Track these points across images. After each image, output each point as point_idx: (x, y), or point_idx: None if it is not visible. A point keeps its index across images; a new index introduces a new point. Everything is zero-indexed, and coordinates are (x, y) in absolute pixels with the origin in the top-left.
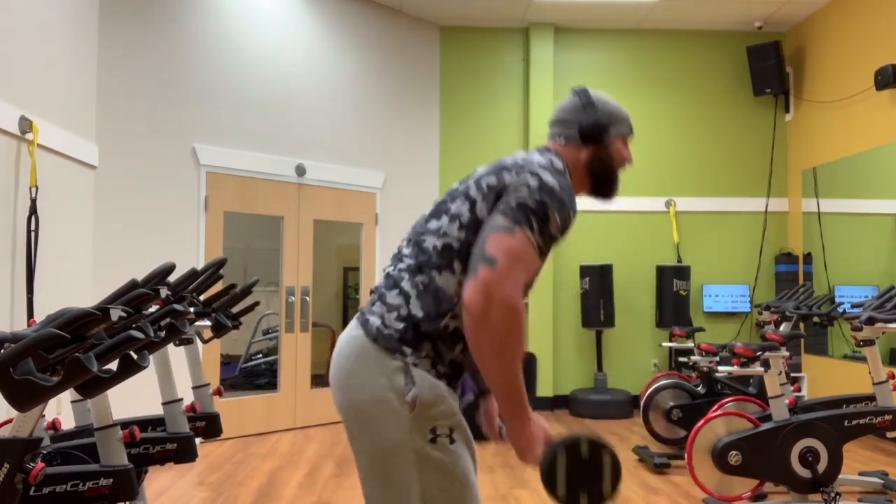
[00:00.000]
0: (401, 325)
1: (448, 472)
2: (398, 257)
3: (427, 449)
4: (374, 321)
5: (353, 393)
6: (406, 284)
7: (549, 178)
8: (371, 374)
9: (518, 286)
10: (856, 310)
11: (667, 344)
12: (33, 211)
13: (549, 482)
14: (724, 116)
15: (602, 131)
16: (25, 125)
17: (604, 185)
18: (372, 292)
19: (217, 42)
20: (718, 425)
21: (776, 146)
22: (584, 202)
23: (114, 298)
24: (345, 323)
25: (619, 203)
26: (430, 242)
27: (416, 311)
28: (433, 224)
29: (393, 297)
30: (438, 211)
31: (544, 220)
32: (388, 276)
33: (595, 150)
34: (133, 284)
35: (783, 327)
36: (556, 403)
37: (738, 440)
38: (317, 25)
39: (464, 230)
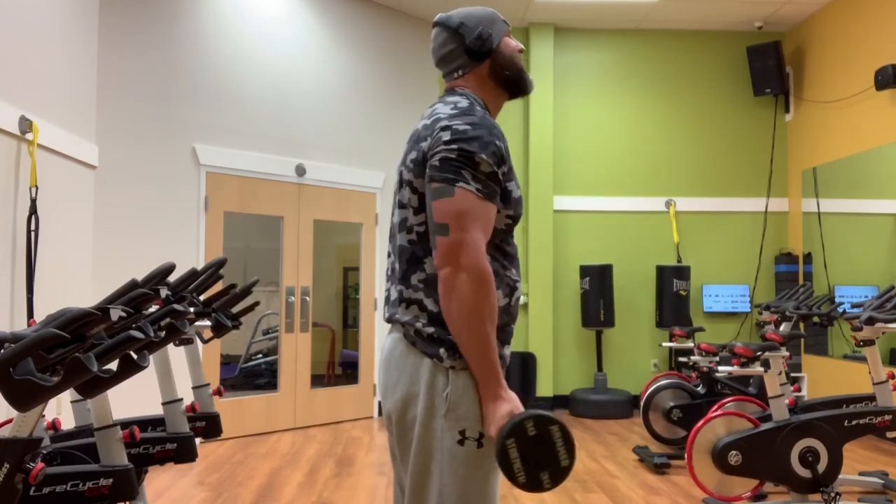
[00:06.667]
0: (432, 329)
1: (468, 476)
2: (393, 273)
3: (454, 449)
4: (409, 328)
5: (398, 395)
6: (411, 293)
7: (458, 124)
8: (413, 377)
9: (477, 245)
10: (856, 310)
11: (667, 344)
12: (33, 211)
13: (507, 473)
14: (724, 116)
15: (488, 41)
16: (25, 125)
17: (515, 85)
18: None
19: (217, 42)
20: (718, 425)
21: (776, 146)
22: (583, 202)
23: (114, 298)
24: (345, 323)
25: (619, 203)
26: (403, 240)
27: (434, 307)
28: (396, 218)
29: (412, 307)
30: (395, 209)
31: (473, 165)
32: (394, 296)
33: (492, 61)
34: (133, 284)
35: (783, 327)
36: (556, 403)
37: (738, 440)
38: (317, 25)
39: (420, 212)
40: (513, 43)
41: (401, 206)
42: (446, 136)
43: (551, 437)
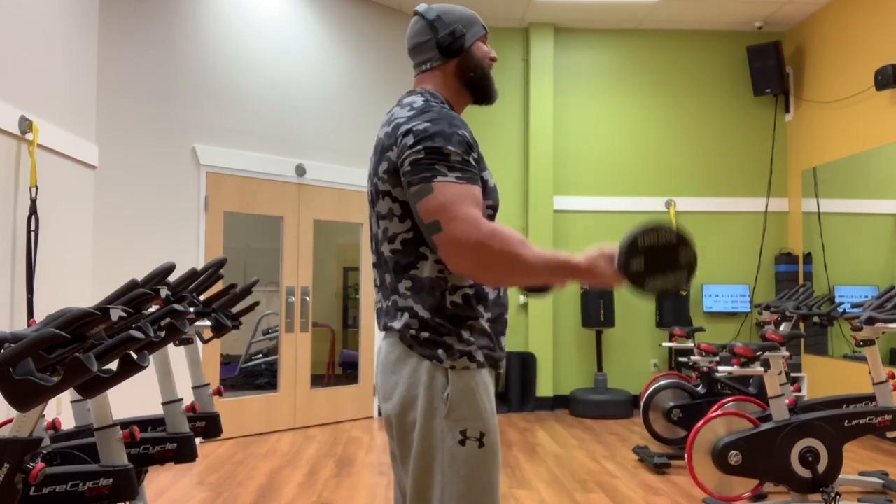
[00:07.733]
0: (427, 334)
1: (470, 476)
2: (382, 284)
3: (456, 450)
4: (405, 333)
5: (397, 398)
6: (401, 301)
7: (417, 124)
8: (411, 379)
9: (472, 221)
10: (856, 310)
11: (667, 344)
12: (33, 211)
13: (627, 257)
14: (724, 116)
15: (460, 40)
16: (25, 125)
17: (479, 89)
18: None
19: (217, 42)
20: (718, 425)
21: (776, 146)
22: (583, 202)
23: (114, 298)
24: (345, 323)
25: (619, 203)
26: (387, 251)
27: (425, 312)
28: (377, 230)
29: (404, 315)
30: (375, 221)
31: (444, 157)
32: (386, 305)
33: (460, 61)
34: (133, 284)
35: (783, 327)
36: (556, 403)
37: (738, 440)
38: (317, 25)
39: (406, 219)
40: (485, 48)
41: (381, 217)
42: (410, 140)
43: (679, 252)
